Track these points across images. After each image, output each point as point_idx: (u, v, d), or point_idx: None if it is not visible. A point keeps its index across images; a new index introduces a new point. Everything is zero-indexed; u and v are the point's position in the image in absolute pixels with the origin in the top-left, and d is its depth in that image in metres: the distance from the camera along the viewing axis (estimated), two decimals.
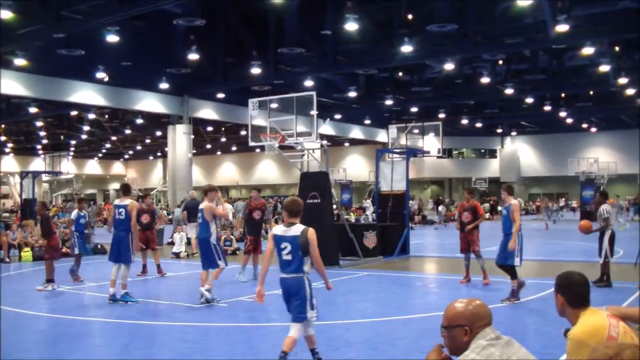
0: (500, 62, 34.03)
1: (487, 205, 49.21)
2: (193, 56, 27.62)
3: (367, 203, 38.32)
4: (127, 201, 12.39)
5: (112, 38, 23.84)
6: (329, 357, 7.87)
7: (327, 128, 46.60)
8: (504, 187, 13.05)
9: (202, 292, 11.61)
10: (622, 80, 32.33)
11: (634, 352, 2.41)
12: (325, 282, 7.13)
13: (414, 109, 43.69)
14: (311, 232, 6.88)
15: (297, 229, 6.90)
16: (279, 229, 7.10)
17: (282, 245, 6.93)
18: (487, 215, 46.97)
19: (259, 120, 19.06)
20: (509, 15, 25.65)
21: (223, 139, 58.53)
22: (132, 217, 12.11)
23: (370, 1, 25.52)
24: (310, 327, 7.18)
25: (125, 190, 12.97)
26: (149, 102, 34.76)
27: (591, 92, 40.93)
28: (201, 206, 12.20)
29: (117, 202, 12.65)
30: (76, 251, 15.26)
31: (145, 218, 16.68)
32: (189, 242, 22.06)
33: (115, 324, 10.35)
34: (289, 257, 6.89)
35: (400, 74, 36.45)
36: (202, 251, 12.03)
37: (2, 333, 9.06)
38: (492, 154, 63.70)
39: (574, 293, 3.73)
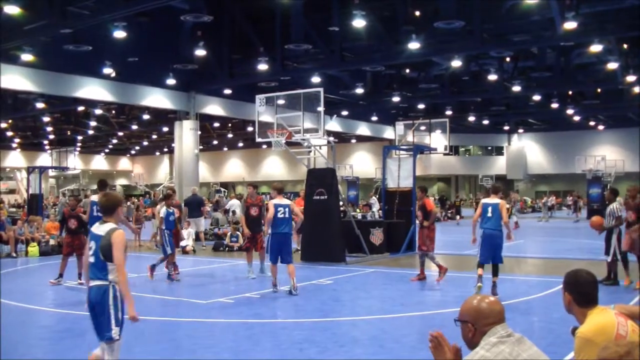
0: (507, 59, 33.92)
1: None
2: (200, 52, 27.60)
3: (373, 200, 38.32)
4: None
5: (119, 34, 23.85)
6: (336, 353, 7.88)
7: (333, 124, 46.56)
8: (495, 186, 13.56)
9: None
10: (630, 78, 32.18)
11: None
12: (128, 305, 5.81)
13: (421, 106, 43.61)
14: (117, 235, 5.82)
15: (105, 228, 5.91)
16: (95, 226, 6.13)
17: (90, 244, 5.96)
18: None
19: (266, 117, 19.09)
20: (516, 13, 25.57)
21: (230, 135, 58.52)
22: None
23: None
24: (114, 352, 5.79)
25: (102, 185, 12.84)
26: (156, 98, 34.75)
27: (598, 90, 40.73)
28: (288, 202, 13.19)
29: (94, 198, 12.46)
30: (168, 250, 14.66)
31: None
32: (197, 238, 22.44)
33: None
34: (92, 260, 5.89)
35: (407, 70, 36.39)
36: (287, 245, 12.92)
37: (6, 328, 9.09)
38: (499, 151, 63.60)
39: (580, 292, 3.72)
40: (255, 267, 15.08)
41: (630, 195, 13.65)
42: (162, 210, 15.34)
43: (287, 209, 12.73)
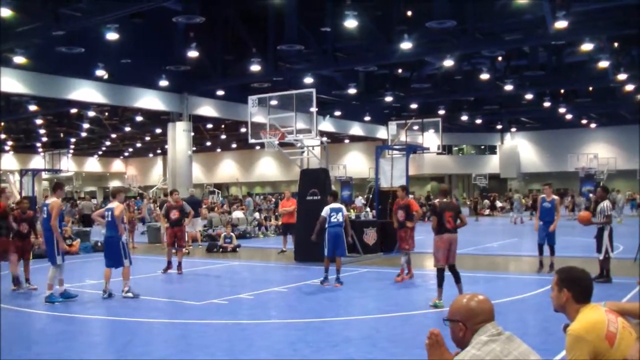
0: (500, 58, 34.00)
1: (487, 201, 49.26)
2: (192, 53, 27.57)
3: (359, 200, 38.58)
4: (51, 199, 12.16)
5: (112, 36, 23.85)
6: (329, 353, 7.89)
7: (326, 125, 46.59)
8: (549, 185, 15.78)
9: None
10: (621, 76, 32.32)
11: None
12: None
13: (414, 106, 43.68)
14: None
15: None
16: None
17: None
18: (487, 211, 47.15)
19: (259, 118, 19.10)
20: (508, 12, 25.63)
21: (223, 136, 58.53)
22: (53, 216, 11.79)
23: None
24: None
25: (56, 188, 12.70)
26: (149, 100, 34.73)
27: (590, 88, 40.90)
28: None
29: (47, 200, 12.34)
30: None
31: (174, 214, 16.28)
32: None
33: (116, 321, 10.36)
34: None
35: (400, 70, 36.46)
36: None
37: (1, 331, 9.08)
38: (492, 150, 63.69)
39: (581, 289, 3.72)
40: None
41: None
42: (325, 209, 13.88)
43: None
